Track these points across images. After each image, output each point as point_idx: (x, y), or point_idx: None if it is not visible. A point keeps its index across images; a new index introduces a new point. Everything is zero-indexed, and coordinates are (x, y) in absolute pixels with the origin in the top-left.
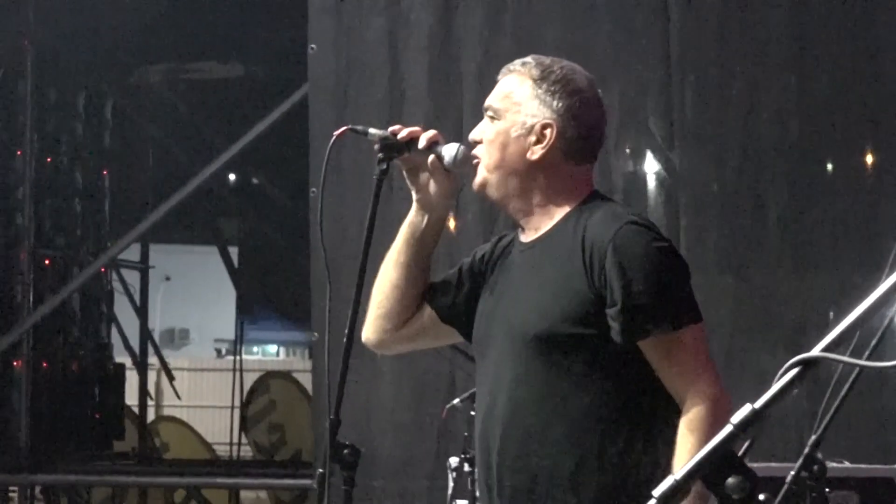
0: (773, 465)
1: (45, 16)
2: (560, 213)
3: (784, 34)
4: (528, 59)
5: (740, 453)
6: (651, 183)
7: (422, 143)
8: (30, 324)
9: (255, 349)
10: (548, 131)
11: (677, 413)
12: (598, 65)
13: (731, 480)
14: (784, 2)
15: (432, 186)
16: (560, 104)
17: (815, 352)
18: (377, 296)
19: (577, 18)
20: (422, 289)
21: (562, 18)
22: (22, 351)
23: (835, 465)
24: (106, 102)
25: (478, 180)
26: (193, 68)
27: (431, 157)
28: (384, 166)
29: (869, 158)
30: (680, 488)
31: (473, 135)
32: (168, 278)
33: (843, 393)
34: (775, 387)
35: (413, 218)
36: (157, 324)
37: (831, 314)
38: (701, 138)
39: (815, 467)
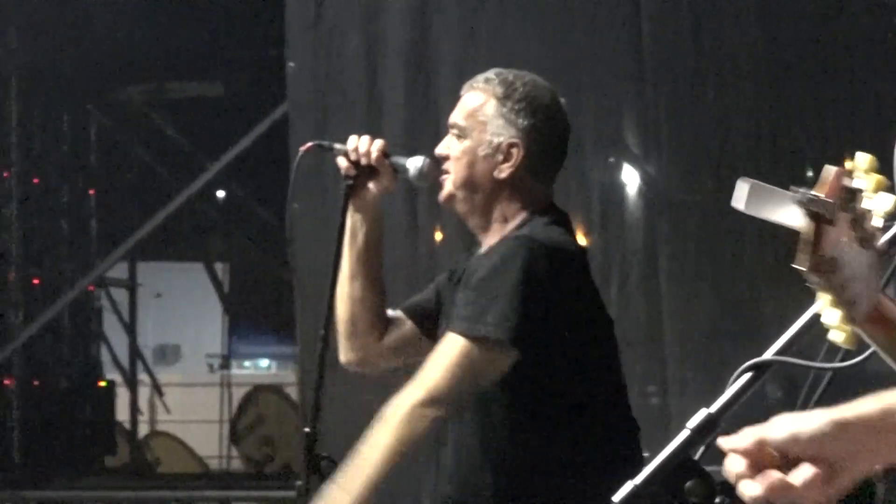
0: None
1: (29, 37)
2: (508, 228)
3: (757, 43)
4: (491, 74)
5: (697, 457)
6: (628, 194)
7: (374, 159)
8: (19, 342)
9: (246, 363)
10: (514, 150)
11: (586, 424)
12: (574, 78)
13: (689, 485)
14: (757, 12)
15: (371, 186)
16: (525, 122)
17: (768, 355)
18: (340, 317)
19: (552, 33)
20: (381, 295)
21: (537, 33)
22: (13, 369)
23: None
24: (91, 122)
25: (445, 194)
26: (174, 88)
27: (383, 160)
28: (350, 182)
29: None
30: (639, 493)
31: (440, 150)
32: (159, 295)
33: (815, 398)
34: (729, 391)
35: (352, 221)
36: (148, 340)
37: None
38: (676, 149)
39: None
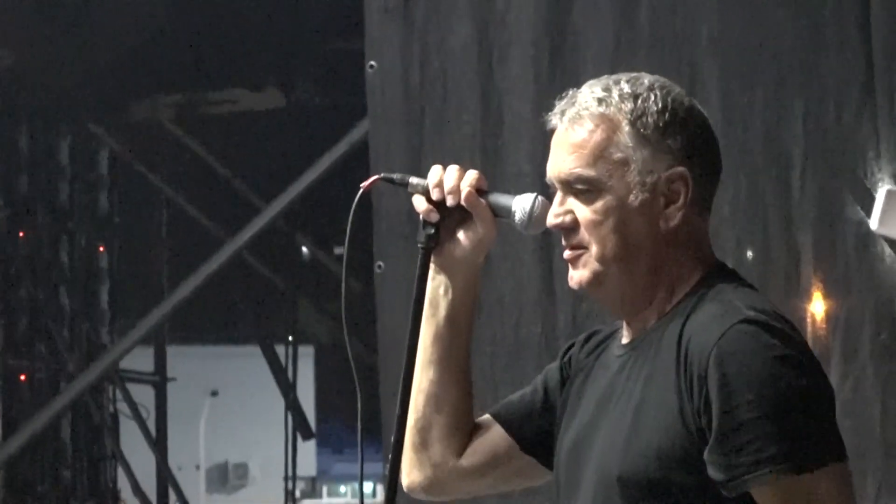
0: None
1: (11, 34)
2: (674, 299)
3: None
4: (597, 90)
5: None
6: (850, 236)
7: (464, 198)
8: None
9: (342, 489)
10: (680, 183)
11: None
12: (775, 72)
13: None
14: None
15: (461, 237)
16: (678, 141)
17: None
18: (410, 421)
19: (741, 9)
20: (466, 392)
21: (718, 10)
22: None
23: None
24: (99, 150)
25: (586, 276)
26: (217, 99)
27: (478, 200)
28: (431, 230)
29: None
30: None
31: (558, 220)
32: (215, 393)
33: None
34: None
35: (432, 286)
36: (201, 458)
37: None
38: None
39: None
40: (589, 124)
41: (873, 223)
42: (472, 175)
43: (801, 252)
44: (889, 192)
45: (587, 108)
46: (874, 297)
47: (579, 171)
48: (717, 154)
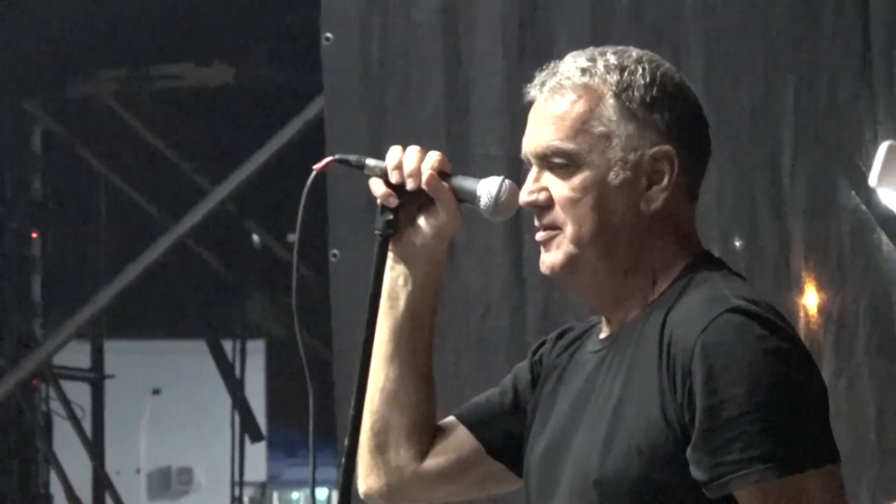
0: None
1: None
2: (656, 290)
3: None
4: (581, 60)
5: None
6: (845, 224)
7: (425, 181)
8: None
9: (294, 495)
10: (666, 162)
11: None
12: (764, 46)
13: None
14: None
15: (421, 223)
16: (666, 117)
17: None
18: (366, 422)
19: None
20: (428, 392)
21: None
22: None
23: None
24: (33, 129)
25: (559, 259)
26: (162, 73)
27: (440, 184)
28: (389, 216)
29: None
30: None
31: (532, 198)
32: (157, 391)
33: None
34: None
35: (390, 276)
36: (142, 462)
37: None
38: None
39: None
40: (571, 95)
41: (872, 179)
42: (433, 157)
43: (792, 242)
44: (890, 147)
45: (569, 78)
46: (870, 290)
47: (557, 143)
48: (706, 135)
